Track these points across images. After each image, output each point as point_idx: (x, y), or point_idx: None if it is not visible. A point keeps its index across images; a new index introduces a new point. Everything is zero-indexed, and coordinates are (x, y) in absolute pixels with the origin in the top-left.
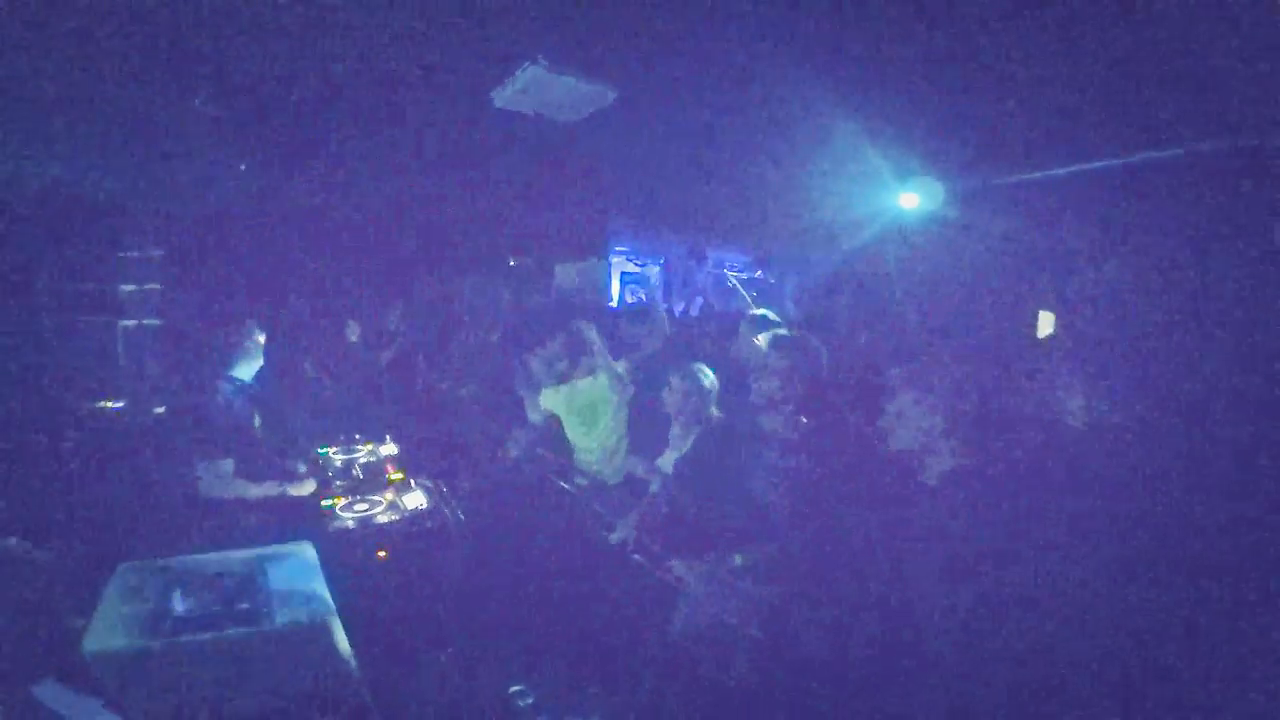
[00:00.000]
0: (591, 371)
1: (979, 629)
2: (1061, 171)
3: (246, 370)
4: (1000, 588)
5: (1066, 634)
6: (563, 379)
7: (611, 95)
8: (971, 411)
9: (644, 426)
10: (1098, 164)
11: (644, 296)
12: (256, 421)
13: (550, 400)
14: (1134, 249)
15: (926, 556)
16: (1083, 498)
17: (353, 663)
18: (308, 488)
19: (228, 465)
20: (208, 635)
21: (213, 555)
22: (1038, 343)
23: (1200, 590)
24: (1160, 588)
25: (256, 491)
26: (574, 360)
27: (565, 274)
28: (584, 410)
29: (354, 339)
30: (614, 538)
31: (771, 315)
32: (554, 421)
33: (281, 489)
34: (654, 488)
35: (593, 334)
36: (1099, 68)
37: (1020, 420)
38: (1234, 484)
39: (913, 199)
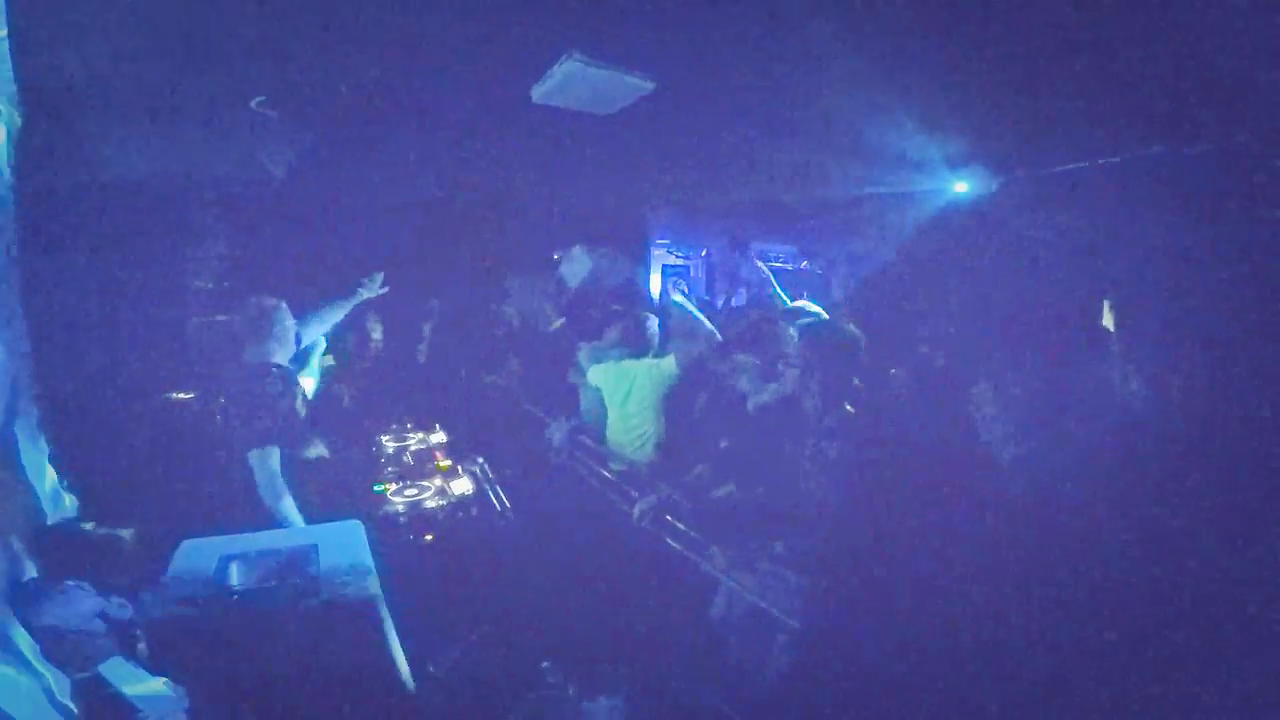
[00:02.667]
0: (639, 356)
1: (1025, 626)
2: (1112, 160)
3: (300, 357)
4: (1052, 585)
5: (1121, 633)
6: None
7: (649, 86)
8: (1037, 403)
9: (684, 425)
10: (1149, 153)
11: (685, 290)
12: (301, 409)
13: (596, 374)
14: (1189, 239)
15: (974, 549)
16: (1144, 492)
17: (394, 637)
18: (361, 473)
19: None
20: (260, 607)
21: (268, 533)
22: (1100, 334)
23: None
24: (1233, 586)
25: (312, 477)
26: (632, 350)
27: (576, 264)
28: (619, 385)
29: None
30: (636, 510)
31: (810, 306)
32: (597, 407)
33: (336, 474)
34: (696, 472)
35: (653, 325)
36: (1149, 59)
37: (1082, 412)
38: None
39: (962, 186)
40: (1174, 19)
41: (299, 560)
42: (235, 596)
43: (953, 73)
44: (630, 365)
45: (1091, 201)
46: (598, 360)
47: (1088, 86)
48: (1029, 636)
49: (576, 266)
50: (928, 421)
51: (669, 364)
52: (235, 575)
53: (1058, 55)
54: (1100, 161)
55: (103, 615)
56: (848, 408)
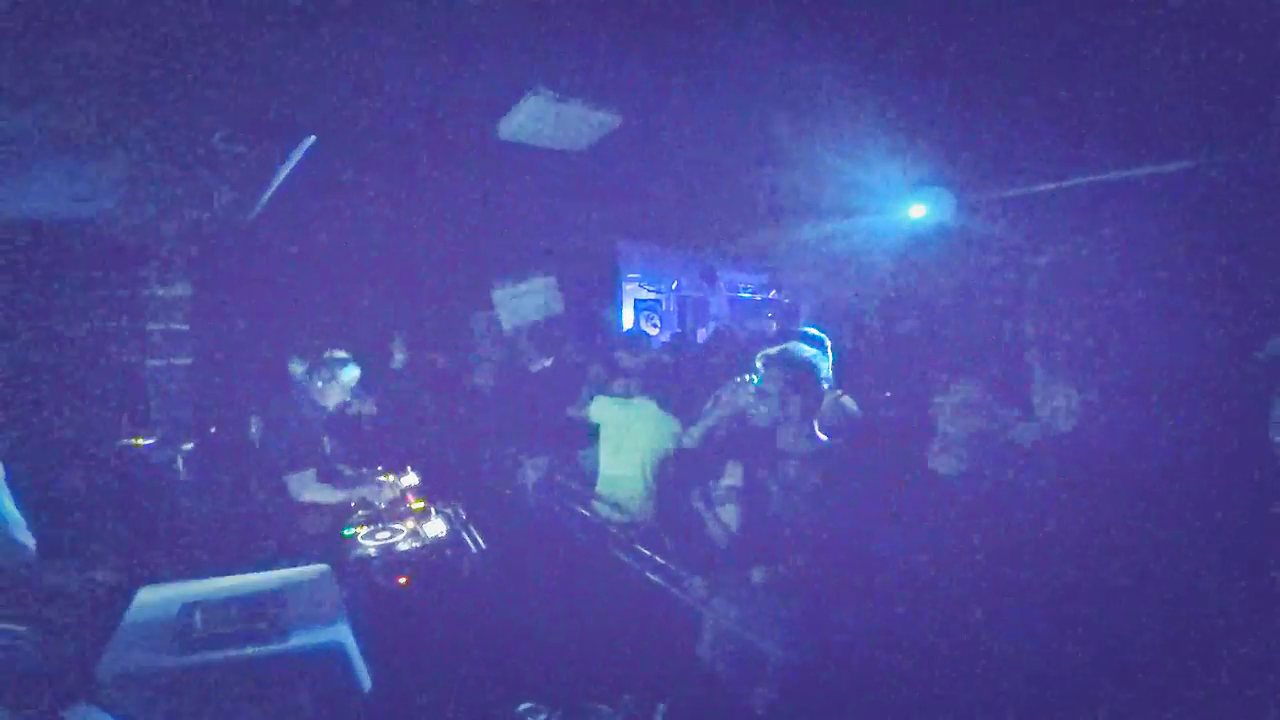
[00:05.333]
0: (631, 395)
1: (1002, 645)
2: (1054, 186)
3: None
4: (1024, 603)
5: (1093, 650)
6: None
7: (616, 121)
8: (992, 425)
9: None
10: (1092, 178)
11: (658, 323)
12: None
13: (598, 408)
14: (1123, 258)
15: (949, 570)
16: (1095, 506)
17: (366, 683)
18: (328, 516)
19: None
20: (224, 654)
21: (231, 578)
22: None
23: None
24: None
25: (280, 519)
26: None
27: (502, 301)
28: (616, 431)
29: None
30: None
31: (813, 332)
32: (579, 445)
33: (303, 517)
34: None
35: (629, 362)
36: (1097, 86)
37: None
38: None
39: (921, 210)
40: (1127, 51)
41: (264, 605)
42: (198, 642)
43: (914, 103)
44: (636, 406)
45: (1045, 223)
46: (602, 393)
47: (1040, 115)
48: (1009, 657)
49: (505, 307)
50: (896, 442)
51: (675, 426)
52: (198, 621)
53: (1012, 86)
54: (1054, 185)
55: (61, 658)
56: (820, 435)
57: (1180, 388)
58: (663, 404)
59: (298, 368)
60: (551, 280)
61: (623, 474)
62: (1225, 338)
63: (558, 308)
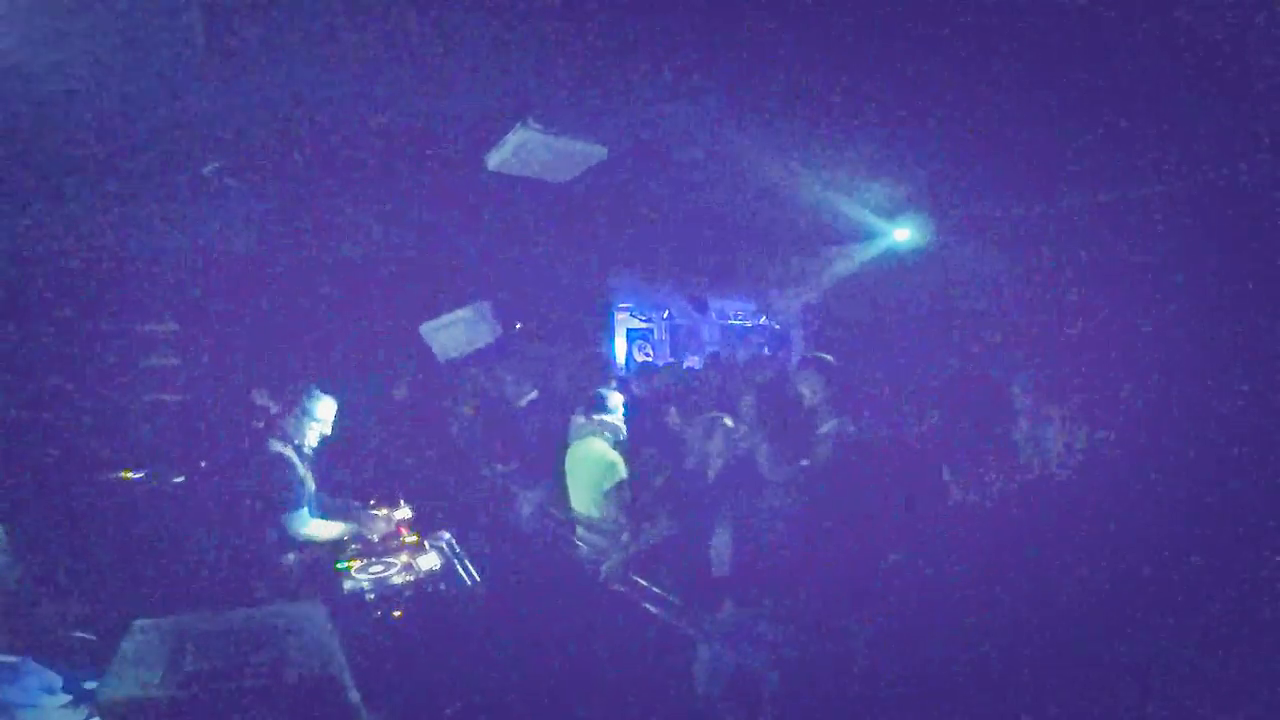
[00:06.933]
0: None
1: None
2: (1039, 209)
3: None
4: (1007, 619)
5: (1081, 664)
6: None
7: (602, 153)
8: (975, 445)
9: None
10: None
11: (650, 353)
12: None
13: (570, 451)
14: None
15: (934, 588)
16: (1078, 522)
17: (362, 717)
18: (321, 550)
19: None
20: (218, 687)
21: (226, 614)
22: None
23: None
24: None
25: (272, 553)
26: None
27: (429, 334)
28: (572, 470)
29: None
30: (604, 569)
31: (827, 357)
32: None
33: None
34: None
35: (616, 400)
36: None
37: (1012, 453)
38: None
39: (904, 233)
40: (1100, 82)
41: (258, 640)
42: (192, 678)
43: (895, 129)
44: (588, 449)
45: (1022, 245)
46: (575, 433)
47: (1017, 143)
48: (999, 670)
49: (434, 340)
50: (880, 471)
51: (617, 463)
52: (190, 656)
53: (991, 116)
54: (1032, 210)
55: (49, 690)
56: (803, 462)
57: (1179, 417)
58: (618, 443)
59: (266, 401)
60: (483, 306)
61: (581, 511)
62: (1222, 358)
63: (489, 337)
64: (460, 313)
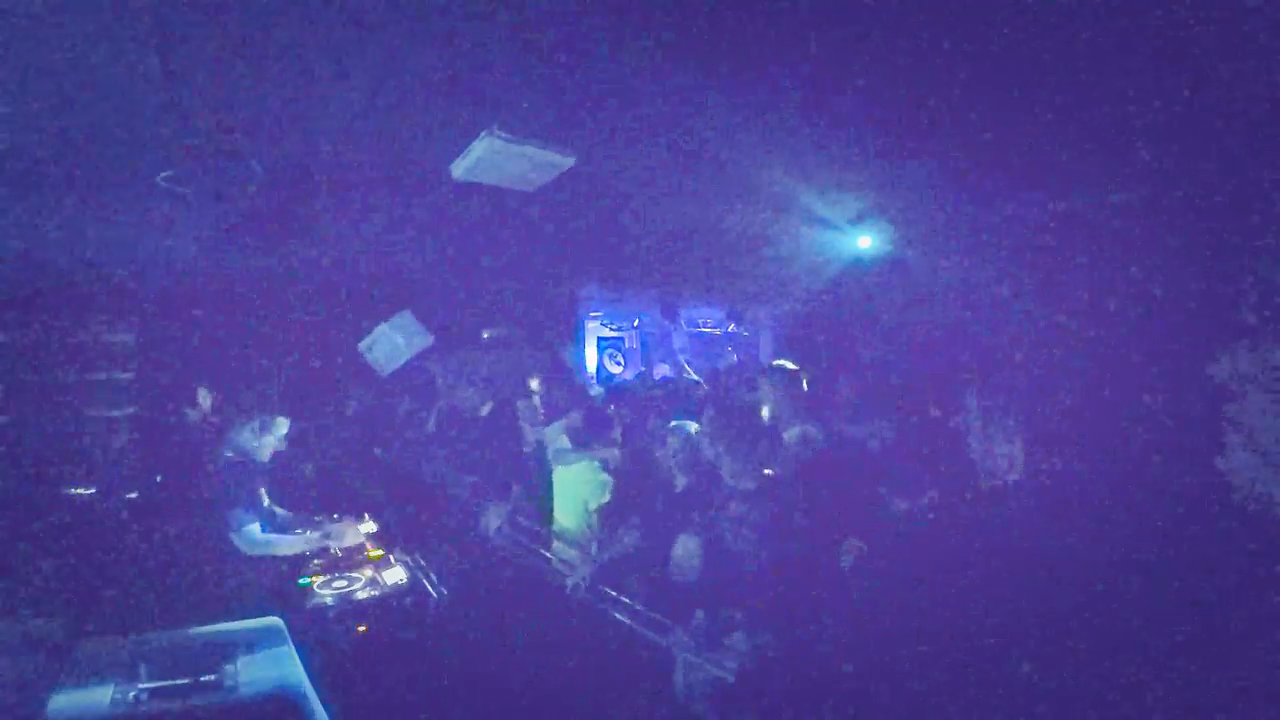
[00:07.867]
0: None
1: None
2: (998, 217)
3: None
4: (974, 620)
5: (1045, 664)
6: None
7: (570, 161)
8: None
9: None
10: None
11: (622, 361)
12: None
13: (558, 471)
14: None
15: (899, 589)
16: (1034, 526)
17: None
18: (282, 566)
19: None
20: (172, 705)
21: (180, 631)
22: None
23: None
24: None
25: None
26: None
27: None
28: (562, 488)
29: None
30: (570, 581)
31: (790, 365)
32: (538, 491)
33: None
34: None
35: (611, 411)
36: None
37: (966, 459)
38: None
39: (866, 240)
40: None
41: (213, 656)
42: (142, 694)
43: (860, 141)
44: (581, 470)
45: (983, 251)
46: (557, 446)
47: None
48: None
49: (370, 357)
50: (844, 475)
51: (608, 482)
52: (144, 673)
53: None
54: (993, 217)
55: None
56: (766, 470)
57: (1126, 422)
58: (603, 465)
59: (219, 414)
60: (402, 316)
61: (568, 526)
62: (1170, 363)
63: (422, 341)
64: (383, 326)
